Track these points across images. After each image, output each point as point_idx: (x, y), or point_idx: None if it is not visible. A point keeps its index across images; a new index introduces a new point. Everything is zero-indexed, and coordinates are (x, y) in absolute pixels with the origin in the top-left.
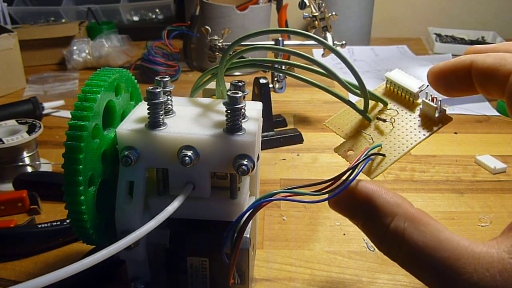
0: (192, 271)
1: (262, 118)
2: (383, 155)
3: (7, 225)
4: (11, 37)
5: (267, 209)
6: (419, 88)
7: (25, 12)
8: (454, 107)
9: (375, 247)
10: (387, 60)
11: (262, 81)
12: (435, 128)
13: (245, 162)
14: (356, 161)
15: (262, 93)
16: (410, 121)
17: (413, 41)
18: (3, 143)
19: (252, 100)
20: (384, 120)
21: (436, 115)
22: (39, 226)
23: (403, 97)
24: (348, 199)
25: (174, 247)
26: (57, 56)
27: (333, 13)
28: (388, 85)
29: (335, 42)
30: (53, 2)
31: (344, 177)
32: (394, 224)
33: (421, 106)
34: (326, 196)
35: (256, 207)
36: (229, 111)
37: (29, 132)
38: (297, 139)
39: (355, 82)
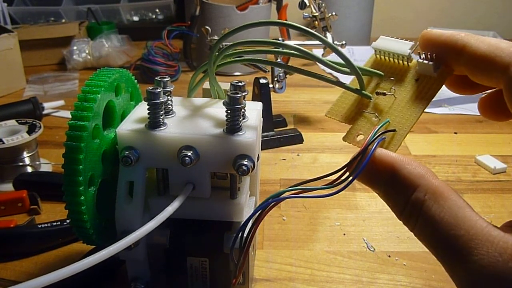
0: (192, 271)
1: (262, 118)
2: (394, 130)
3: (7, 225)
4: (11, 37)
5: None
6: (410, 49)
7: (25, 12)
8: (454, 107)
9: (375, 247)
10: None
11: (262, 81)
12: (439, 85)
13: (245, 162)
14: (366, 144)
15: (262, 93)
16: (411, 86)
17: (413, 41)
18: (3, 143)
19: (252, 100)
20: (384, 94)
21: (435, 71)
22: (39, 226)
23: (397, 63)
24: (370, 168)
25: (174, 247)
26: (57, 56)
27: (333, 13)
28: (377, 56)
29: (335, 42)
30: (53, 2)
31: (355, 163)
32: (415, 196)
33: (417, 67)
34: (340, 187)
35: (265, 207)
36: (229, 111)
37: (29, 132)
38: (297, 139)
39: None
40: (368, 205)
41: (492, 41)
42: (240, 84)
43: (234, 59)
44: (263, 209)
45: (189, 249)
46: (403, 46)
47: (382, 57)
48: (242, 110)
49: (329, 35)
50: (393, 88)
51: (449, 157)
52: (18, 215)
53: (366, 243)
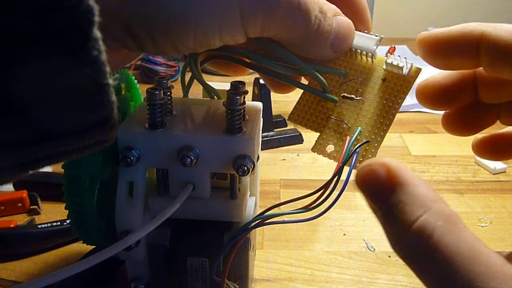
0: (192, 271)
1: (262, 118)
2: (368, 141)
3: (7, 225)
4: None
5: None
6: (375, 45)
7: None
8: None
9: (375, 247)
10: None
11: (262, 81)
12: (408, 86)
13: (245, 163)
14: (341, 163)
15: (262, 93)
16: (378, 87)
17: (413, 41)
18: None
19: (252, 100)
20: (352, 98)
21: (405, 72)
22: (39, 226)
23: (361, 59)
24: (375, 180)
25: (174, 247)
26: None
27: None
28: None
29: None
30: None
31: (331, 185)
32: (425, 219)
33: (384, 66)
34: (317, 213)
35: (235, 243)
36: (229, 112)
37: None
38: (297, 139)
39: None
40: None
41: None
42: (240, 84)
43: (215, 53)
44: (235, 242)
45: (189, 249)
46: (367, 41)
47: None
48: (242, 110)
49: None
50: (359, 90)
51: (449, 157)
52: (18, 215)
53: (366, 243)
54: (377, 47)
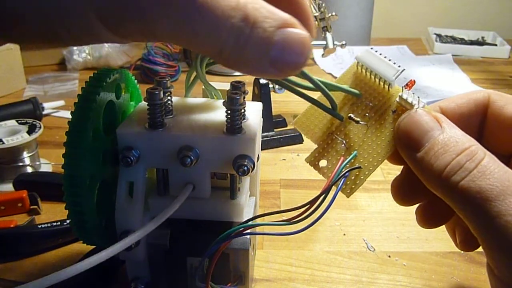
0: (192, 271)
1: (262, 119)
2: (359, 167)
3: (7, 225)
4: None
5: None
6: (395, 75)
7: None
8: None
9: (375, 248)
10: None
11: (262, 81)
12: None
13: (245, 163)
14: (330, 183)
15: (262, 93)
16: (387, 116)
17: (413, 41)
18: (3, 143)
19: (252, 100)
20: (358, 122)
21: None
22: (39, 226)
23: (377, 84)
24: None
25: (174, 247)
26: (57, 56)
27: (333, 13)
28: (358, 68)
29: (335, 42)
30: None
31: (317, 202)
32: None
33: (397, 99)
34: (300, 228)
35: (214, 252)
36: (229, 112)
37: (29, 132)
38: (297, 139)
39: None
40: (368, 205)
41: None
42: (240, 84)
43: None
44: (212, 254)
45: (189, 249)
46: (387, 69)
47: (364, 71)
48: (242, 111)
49: (329, 35)
50: (367, 114)
51: None
52: (18, 215)
53: (366, 243)
54: (396, 78)
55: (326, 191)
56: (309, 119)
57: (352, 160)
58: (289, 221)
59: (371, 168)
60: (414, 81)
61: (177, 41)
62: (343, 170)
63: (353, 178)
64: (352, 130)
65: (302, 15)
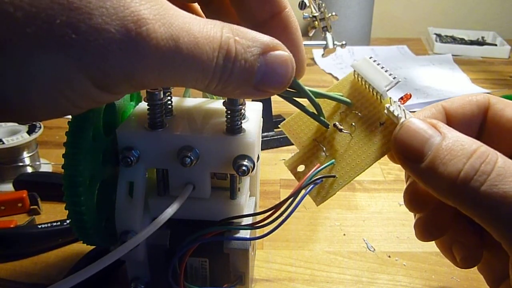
0: (192, 271)
1: (262, 118)
2: (334, 176)
3: (7, 225)
4: None
5: None
6: (386, 86)
7: None
8: None
9: (375, 248)
10: (387, 60)
11: None
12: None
13: (245, 163)
14: (299, 187)
15: None
16: (374, 128)
17: (413, 41)
18: (3, 143)
19: (252, 100)
20: (341, 130)
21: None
22: (39, 226)
23: (371, 93)
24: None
25: (174, 247)
26: None
27: (333, 13)
28: (355, 76)
29: (335, 42)
30: None
31: (283, 206)
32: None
33: (385, 111)
34: (264, 232)
35: (182, 256)
36: (229, 112)
37: (29, 132)
38: None
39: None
40: (368, 205)
41: None
42: None
43: None
44: (181, 257)
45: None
46: (381, 80)
47: (360, 80)
48: (242, 111)
49: (329, 35)
50: (353, 124)
51: None
52: (18, 215)
53: (366, 243)
54: (388, 89)
55: (294, 195)
56: (297, 123)
57: (329, 168)
58: (252, 226)
59: (346, 178)
60: (410, 95)
61: (166, 86)
62: (316, 175)
63: (326, 186)
64: (336, 138)
65: (293, 43)
